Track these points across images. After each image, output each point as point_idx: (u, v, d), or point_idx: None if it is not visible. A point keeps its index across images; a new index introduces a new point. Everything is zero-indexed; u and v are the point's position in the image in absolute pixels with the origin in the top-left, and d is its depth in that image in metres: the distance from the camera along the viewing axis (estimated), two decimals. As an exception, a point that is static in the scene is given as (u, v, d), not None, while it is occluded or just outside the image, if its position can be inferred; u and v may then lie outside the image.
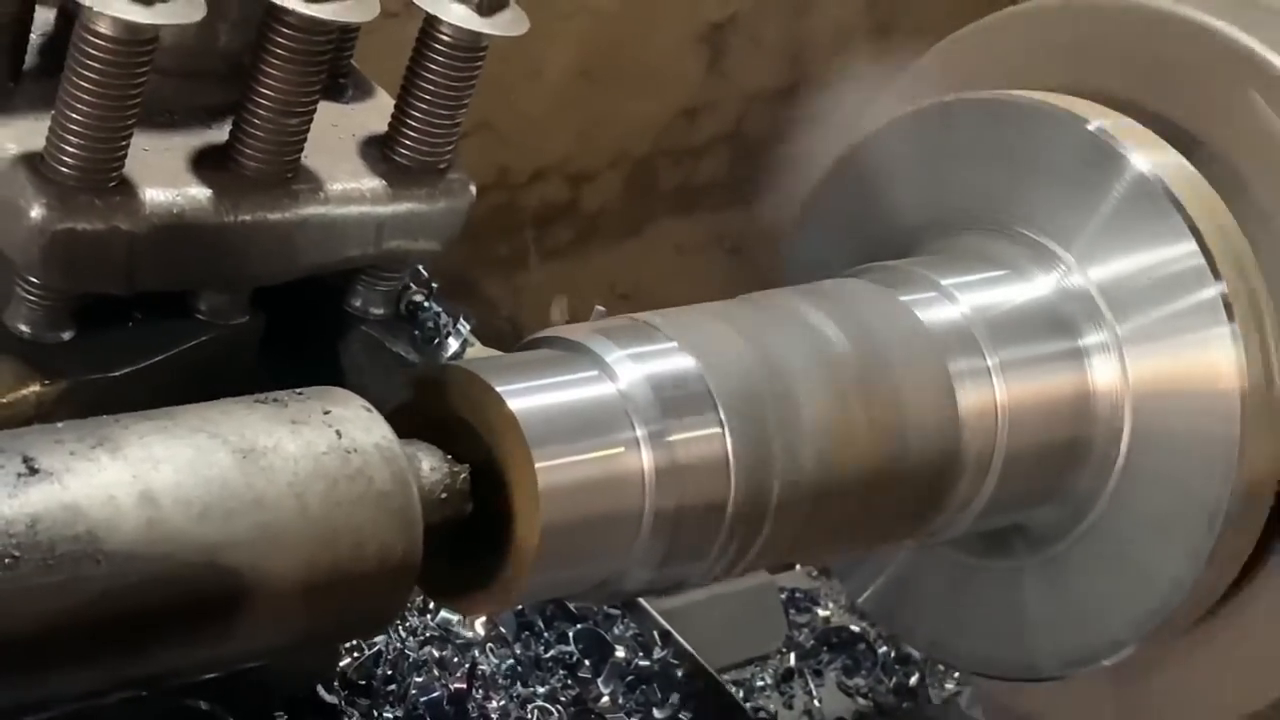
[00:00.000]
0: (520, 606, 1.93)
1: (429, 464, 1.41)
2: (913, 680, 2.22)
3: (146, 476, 1.25)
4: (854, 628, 2.26)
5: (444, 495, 1.40)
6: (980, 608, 1.85)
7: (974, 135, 1.82)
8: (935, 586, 1.90)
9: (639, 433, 1.47)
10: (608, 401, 1.47)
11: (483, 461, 1.43)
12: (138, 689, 1.30)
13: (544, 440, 1.41)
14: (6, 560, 1.18)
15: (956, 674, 2.20)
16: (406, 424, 1.41)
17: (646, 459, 1.47)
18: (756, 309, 1.64)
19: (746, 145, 3.65)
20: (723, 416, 1.52)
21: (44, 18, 1.57)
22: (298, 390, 1.38)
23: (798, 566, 2.33)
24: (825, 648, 2.24)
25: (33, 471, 1.22)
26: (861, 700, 2.20)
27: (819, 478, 1.56)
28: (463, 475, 1.42)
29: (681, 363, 1.53)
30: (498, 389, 1.42)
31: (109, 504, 1.23)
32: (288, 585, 1.29)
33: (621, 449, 1.47)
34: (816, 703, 2.19)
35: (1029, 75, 1.86)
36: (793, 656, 2.21)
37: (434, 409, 1.44)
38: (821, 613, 2.29)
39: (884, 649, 2.23)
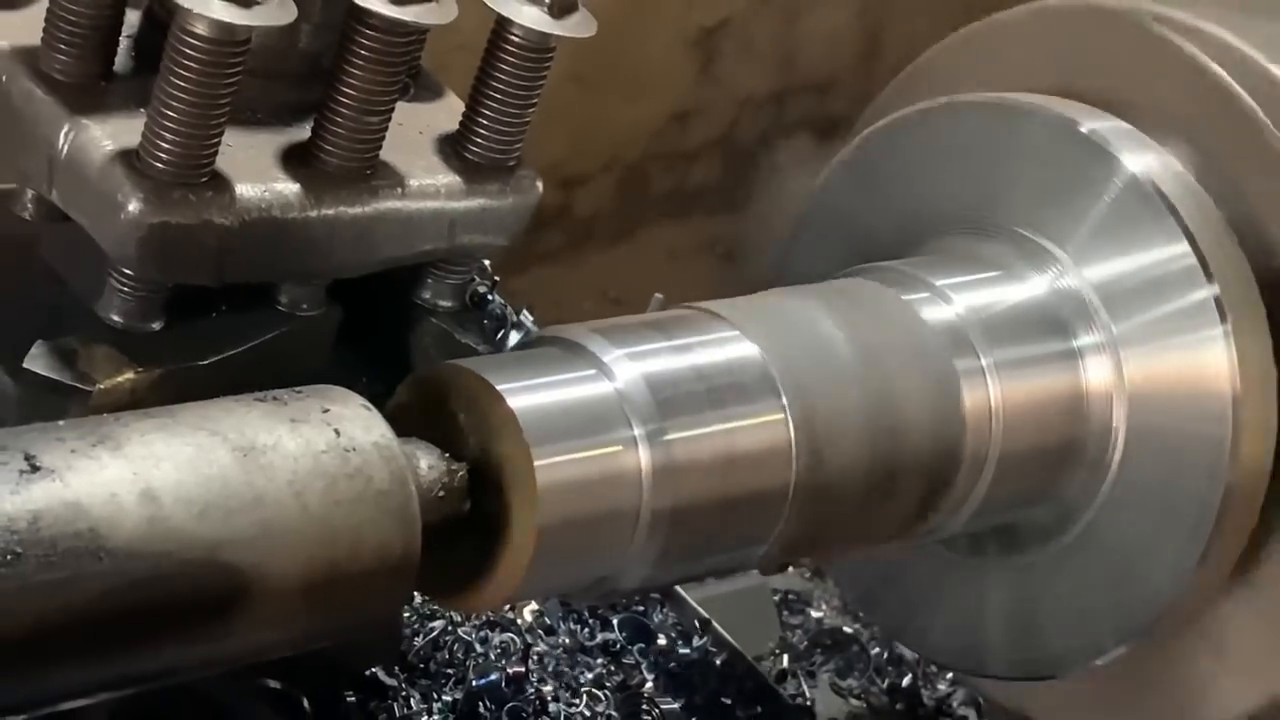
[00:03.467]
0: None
1: (427, 462, 1.41)
2: (905, 681, 2.22)
3: (148, 474, 1.25)
4: (847, 629, 2.26)
5: (442, 493, 1.41)
6: (973, 608, 1.86)
7: (968, 137, 1.82)
8: (927, 586, 1.91)
9: (636, 432, 1.48)
10: (605, 400, 1.48)
11: (480, 459, 1.43)
12: (139, 686, 1.30)
13: (542, 438, 1.42)
14: (8, 557, 1.19)
15: (949, 675, 2.20)
16: (405, 422, 1.41)
17: (644, 458, 1.47)
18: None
19: (738, 150, 3.66)
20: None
21: (129, 19, 1.61)
22: (296, 389, 1.38)
23: (790, 568, 2.33)
24: (818, 649, 2.24)
25: (34, 469, 1.22)
26: (854, 701, 2.20)
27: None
28: (461, 473, 1.42)
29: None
30: (497, 387, 1.42)
31: (110, 501, 1.23)
32: (287, 583, 1.30)
33: (619, 448, 1.47)
34: (809, 704, 2.19)
35: (1021, 79, 1.87)
36: (785, 658, 2.20)
37: (432, 407, 1.45)
38: (814, 614, 2.29)
39: (877, 650, 2.23)
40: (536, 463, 1.41)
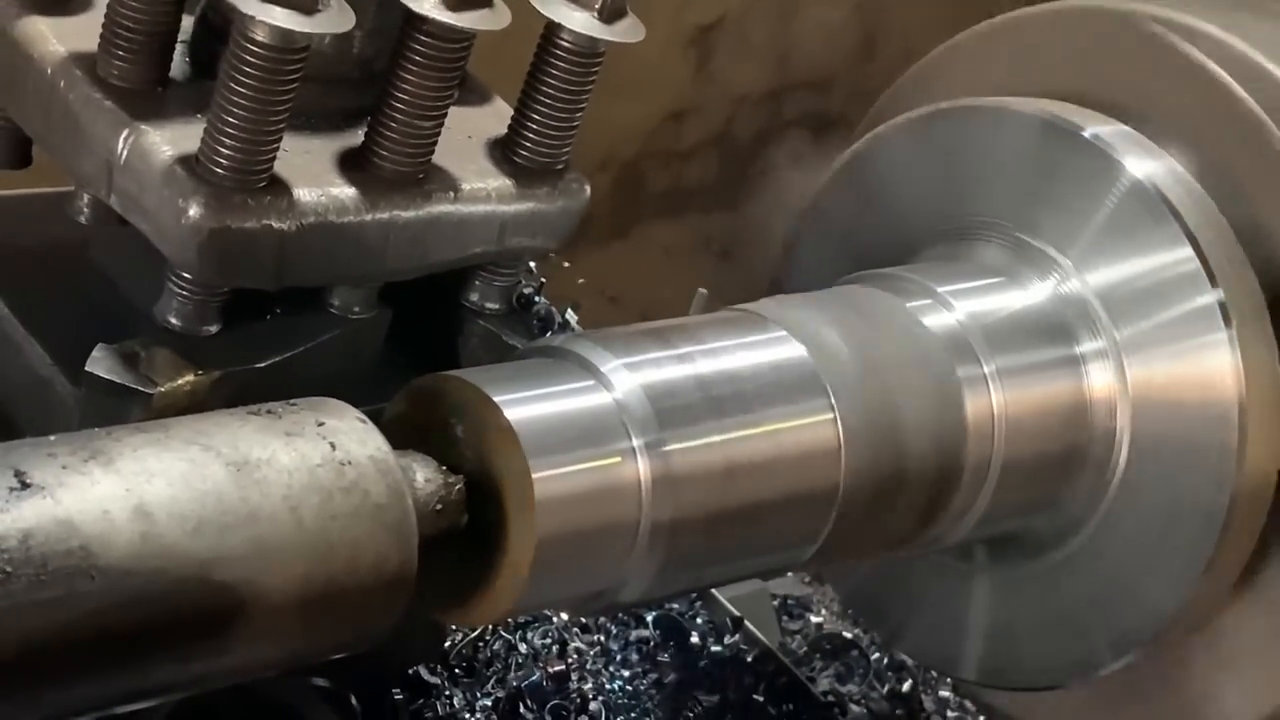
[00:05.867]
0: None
1: (424, 475, 1.39)
2: (905, 686, 2.21)
3: (140, 490, 1.24)
4: (847, 634, 2.25)
5: (439, 507, 1.39)
6: (980, 617, 1.85)
7: (970, 142, 1.81)
8: (925, 594, 1.90)
9: (635, 443, 1.46)
10: (604, 411, 1.46)
11: (478, 472, 1.42)
12: (133, 703, 1.28)
13: (540, 451, 1.40)
14: (-1, 576, 1.17)
15: (949, 680, 2.19)
16: (401, 434, 1.40)
17: (643, 469, 1.46)
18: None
19: (734, 148, 3.65)
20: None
21: (183, 24, 1.62)
22: (291, 401, 1.37)
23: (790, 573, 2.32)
24: (818, 654, 2.23)
25: (25, 486, 1.21)
26: (855, 707, 2.19)
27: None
28: (458, 486, 1.41)
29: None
30: (494, 399, 1.41)
31: (102, 518, 1.21)
32: (283, 600, 1.28)
33: (618, 459, 1.46)
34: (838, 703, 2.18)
35: (1023, 81, 1.86)
36: (788, 663, 2.20)
37: (429, 418, 1.43)
38: (814, 619, 2.28)
39: (877, 655, 2.22)
40: (535, 475, 1.39)
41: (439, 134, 1.60)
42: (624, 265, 3.57)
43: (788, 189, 2.01)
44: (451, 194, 1.62)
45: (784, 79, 3.62)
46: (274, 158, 1.52)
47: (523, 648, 1.95)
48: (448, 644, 1.90)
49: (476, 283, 1.71)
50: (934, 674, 2.20)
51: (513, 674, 1.92)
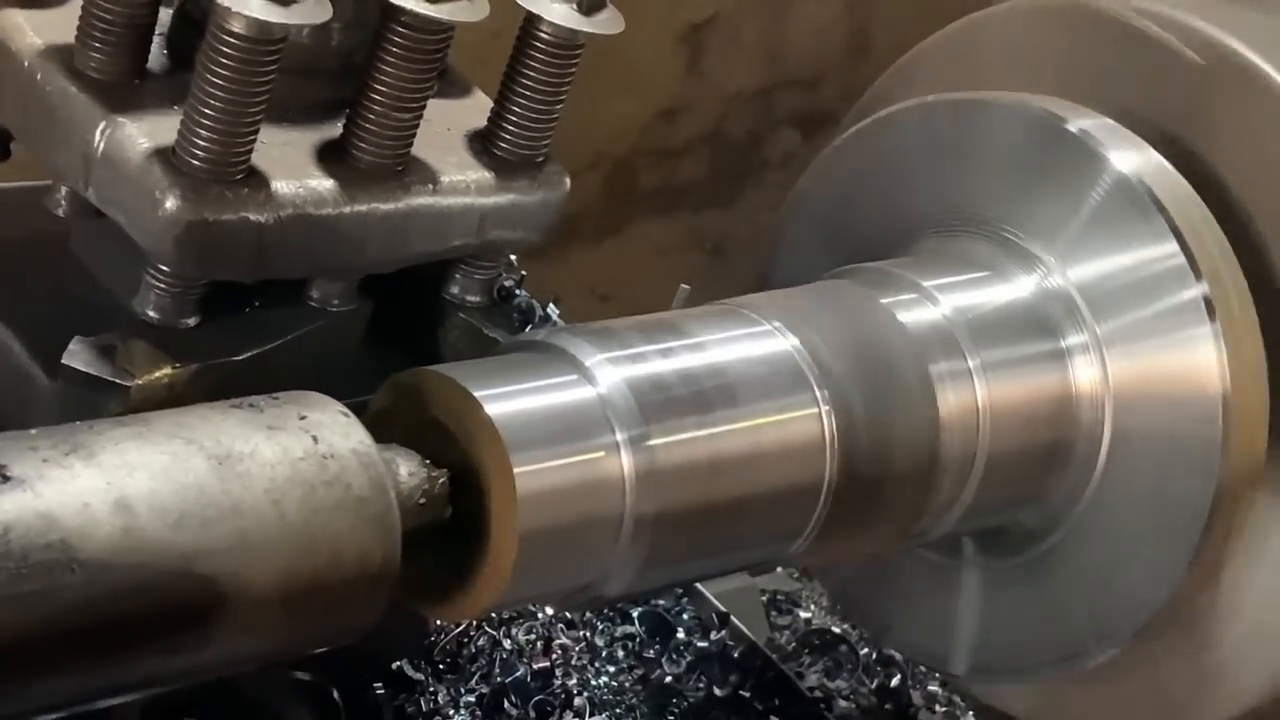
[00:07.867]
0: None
1: (407, 469, 1.40)
2: (894, 682, 2.21)
3: (121, 484, 1.24)
4: (835, 629, 2.25)
5: (422, 500, 1.39)
6: (967, 611, 1.85)
7: (954, 136, 1.81)
8: (909, 588, 1.90)
9: (619, 437, 1.46)
10: (587, 405, 1.46)
11: (461, 466, 1.42)
12: (116, 697, 1.29)
13: (522, 445, 1.40)
14: (-22, 570, 1.17)
15: (938, 675, 2.19)
16: (384, 428, 1.40)
17: (626, 463, 1.46)
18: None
19: (726, 146, 3.65)
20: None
21: (161, 16, 1.62)
22: (273, 395, 1.37)
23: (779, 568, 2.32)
24: (807, 650, 2.23)
25: (5, 479, 1.20)
26: (843, 702, 2.19)
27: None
28: (441, 480, 1.41)
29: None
30: (476, 394, 1.41)
31: (83, 512, 1.21)
32: (265, 593, 1.28)
33: (601, 453, 1.46)
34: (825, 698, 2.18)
35: (1009, 75, 1.86)
36: (774, 659, 2.20)
37: (412, 413, 1.44)
38: (803, 615, 2.28)
39: (865, 651, 2.22)
40: (517, 470, 1.39)
41: (418, 126, 1.60)
42: (616, 263, 3.57)
43: (779, 187, 2.01)
44: (430, 186, 1.63)
45: (775, 77, 3.63)
46: (251, 150, 1.52)
47: (507, 644, 1.95)
48: (432, 640, 1.90)
49: (457, 275, 1.72)
50: (923, 669, 2.20)
51: (497, 670, 1.92)
